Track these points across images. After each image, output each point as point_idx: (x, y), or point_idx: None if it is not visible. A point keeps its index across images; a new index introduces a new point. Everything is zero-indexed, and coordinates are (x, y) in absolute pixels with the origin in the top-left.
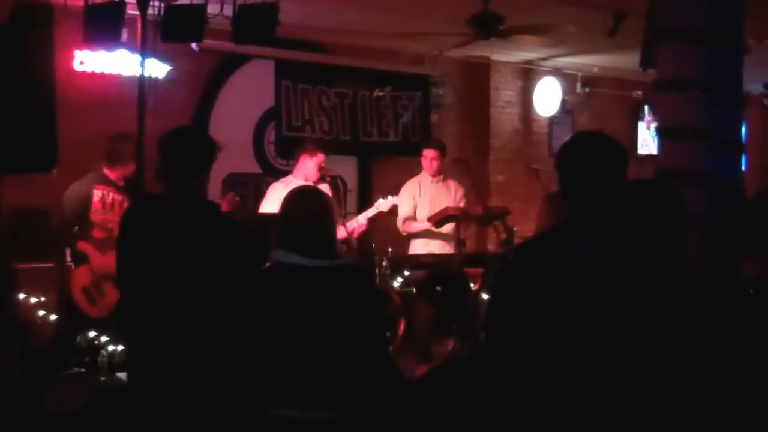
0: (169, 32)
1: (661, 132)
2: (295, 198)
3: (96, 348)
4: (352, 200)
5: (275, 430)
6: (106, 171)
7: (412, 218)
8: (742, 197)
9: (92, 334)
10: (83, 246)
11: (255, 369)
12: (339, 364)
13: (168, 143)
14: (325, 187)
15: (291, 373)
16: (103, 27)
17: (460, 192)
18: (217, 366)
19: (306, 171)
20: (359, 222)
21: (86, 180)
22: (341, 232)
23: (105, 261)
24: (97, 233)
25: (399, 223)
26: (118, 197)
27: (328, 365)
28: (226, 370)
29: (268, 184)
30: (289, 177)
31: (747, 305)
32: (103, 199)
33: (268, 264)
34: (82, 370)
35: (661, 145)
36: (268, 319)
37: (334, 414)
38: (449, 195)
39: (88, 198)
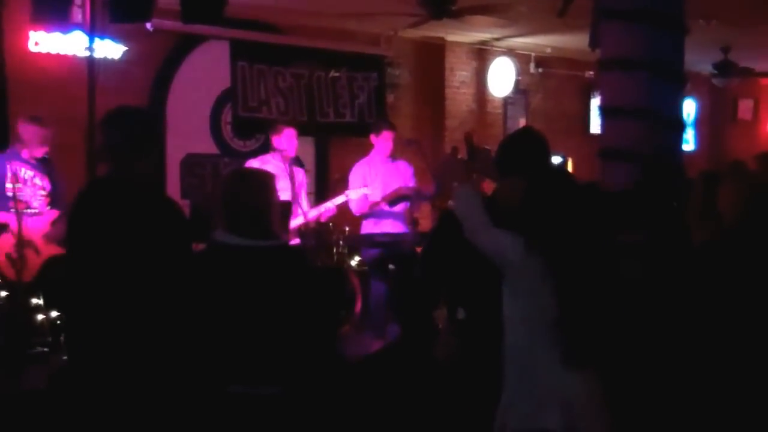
0: (118, 13)
1: (603, 111)
2: (231, 178)
3: (58, 328)
4: (309, 180)
5: (225, 405)
6: (20, 150)
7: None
8: (683, 176)
9: (54, 314)
10: (2, 216)
11: (201, 348)
12: (278, 342)
13: (109, 123)
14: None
15: (235, 351)
16: (53, 5)
17: (410, 171)
18: (162, 346)
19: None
20: (328, 207)
21: (2, 156)
22: (301, 217)
23: (23, 229)
24: (13, 204)
25: (351, 204)
26: (30, 173)
27: (268, 344)
28: (172, 350)
29: (226, 165)
30: (267, 156)
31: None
32: (17, 174)
33: (207, 244)
34: (45, 349)
35: (604, 124)
36: (207, 298)
37: (279, 390)
38: (399, 175)
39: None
